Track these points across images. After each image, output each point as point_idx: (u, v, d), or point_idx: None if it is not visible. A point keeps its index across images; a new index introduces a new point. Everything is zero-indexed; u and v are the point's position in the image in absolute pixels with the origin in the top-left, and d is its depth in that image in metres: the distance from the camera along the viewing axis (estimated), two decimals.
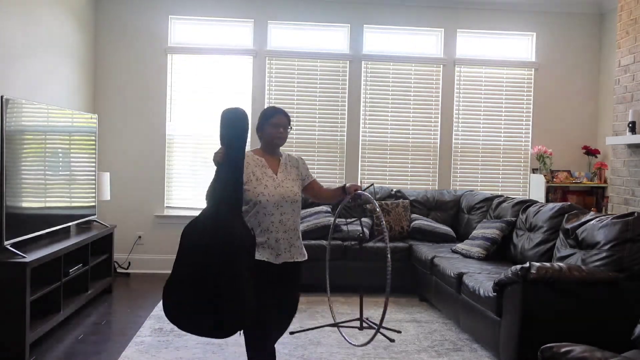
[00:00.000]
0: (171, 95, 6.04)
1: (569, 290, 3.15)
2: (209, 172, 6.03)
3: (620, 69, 5.14)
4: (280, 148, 2.93)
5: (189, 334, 3.93)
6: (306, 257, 2.93)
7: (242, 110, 2.72)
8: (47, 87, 4.79)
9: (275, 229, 2.76)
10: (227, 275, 2.46)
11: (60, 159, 4.36)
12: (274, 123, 2.85)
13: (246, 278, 2.47)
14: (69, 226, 4.57)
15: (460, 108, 6.26)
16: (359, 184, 2.85)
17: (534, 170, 6.21)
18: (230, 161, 2.58)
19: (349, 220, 5.14)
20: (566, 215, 3.94)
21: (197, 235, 2.53)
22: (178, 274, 2.53)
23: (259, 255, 2.68)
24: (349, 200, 3.00)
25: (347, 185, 2.97)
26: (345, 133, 6.14)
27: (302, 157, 3.05)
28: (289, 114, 2.93)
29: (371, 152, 6.19)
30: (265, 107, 6.00)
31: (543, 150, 5.98)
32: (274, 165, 2.88)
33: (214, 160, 2.62)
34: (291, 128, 2.94)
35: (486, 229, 4.79)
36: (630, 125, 4.79)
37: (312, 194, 3.04)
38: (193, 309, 2.46)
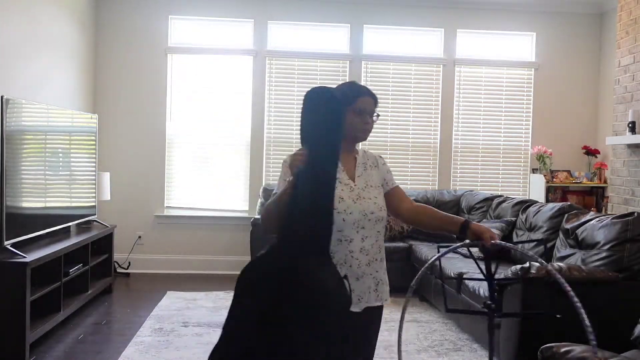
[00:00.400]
0: (171, 95, 6.03)
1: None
2: (209, 172, 6.07)
3: (620, 69, 5.14)
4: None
5: (189, 333, 3.94)
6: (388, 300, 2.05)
7: (335, 92, 1.81)
8: (47, 87, 4.79)
9: (357, 260, 1.90)
10: (304, 349, 1.62)
11: (60, 159, 4.36)
12: (359, 109, 1.95)
13: (334, 355, 1.63)
14: (69, 226, 4.57)
15: (460, 108, 6.26)
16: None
17: (534, 170, 6.21)
18: (317, 171, 1.70)
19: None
20: (566, 215, 3.94)
21: (260, 287, 1.67)
22: (230, 339, 1.68)
23: None
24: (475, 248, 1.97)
25: (473, 224, 1.91)
26: None
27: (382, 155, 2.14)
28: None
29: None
30: (266, 107, 6.05)
31: (543, 150, 5.98)
32: (350, 167, 1.99)
33: (291, 166, 1.76)
34: (378, 116, 2.02)
35: None
36: (630, 125, 4.79)
37: (394, 207, 2.05)
38: None
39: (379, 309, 2.02)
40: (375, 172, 2.04)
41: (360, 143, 2.11)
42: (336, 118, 1.77)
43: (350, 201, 1.91)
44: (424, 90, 6.21)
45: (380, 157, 2.12)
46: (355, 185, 1.96)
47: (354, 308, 1.88)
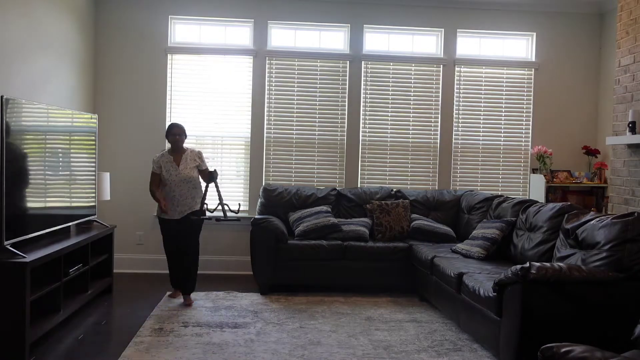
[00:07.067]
0: (171, 95, 6.03)
1: (569, 290, 3.15)
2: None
3: (620, 69, 5.14)
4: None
5: (189, 334, 3.94)
6: None
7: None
8: (47, 87, 4.79)
9: (178, 198, 4.69)
10: None
11: (60, 159, 4.36)
12: (171, 134, 4.71)
13: None
14: (69, 226, 4.57)
15: (460, 108, 6.26)
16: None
17: (534, 170, 6.21)
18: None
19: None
20: (566, 215, 3.94)
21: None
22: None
23: None
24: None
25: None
26: (345, 133, 6.14)
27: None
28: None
29: (371, 152, 6.19)
30: (266, 107, 6.06)
31: (543, 150, 5.98)
32: (178, 159, 4.70)
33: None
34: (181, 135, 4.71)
35: (486, 229, 4.79)
36: (630, 125, 4.79)
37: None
38: None
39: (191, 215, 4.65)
40: (192, 160, 4.71)
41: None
42: None
43: (173, 175, 4.64)
44: (424, 90, 6.21)
45: (200, 152, 4.82)
46: (178, 167, 4.66)
47: (177, 216, 4.69)
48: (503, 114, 6.30)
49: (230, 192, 6.04)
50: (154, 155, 4.81)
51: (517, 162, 6.32)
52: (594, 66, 6.32)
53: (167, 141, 4.81)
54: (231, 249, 6.03)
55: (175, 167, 4.65)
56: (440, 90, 6.20)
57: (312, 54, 6.08)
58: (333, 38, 6.17)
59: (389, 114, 6.19)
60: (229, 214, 4.75)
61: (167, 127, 4.78)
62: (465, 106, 6.26)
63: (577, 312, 3.15)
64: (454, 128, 6.24)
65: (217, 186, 4.73)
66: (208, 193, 4.74)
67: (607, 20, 6.17)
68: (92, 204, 4.98)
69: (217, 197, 4.73)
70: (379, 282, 5.22)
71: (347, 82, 6.12)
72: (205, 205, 4.76)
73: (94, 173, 5.02)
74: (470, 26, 6.20)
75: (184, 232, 4.68)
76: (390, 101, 6.19)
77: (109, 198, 5.47)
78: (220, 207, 4.67)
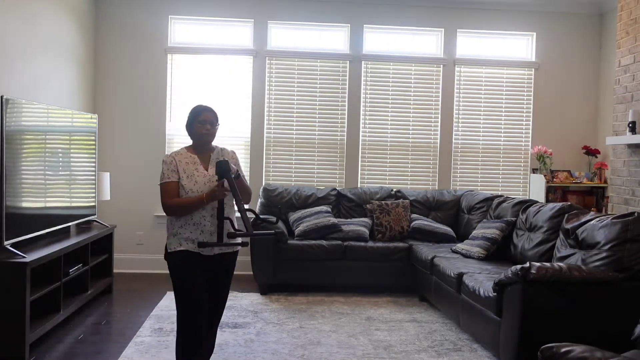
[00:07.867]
0: (171, 95, 6.03)
1: (569, 290, 3.15)
2: None
3: (620, 69, 5.14)
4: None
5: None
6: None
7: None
8: (47, 87, 4.79)
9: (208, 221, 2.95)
10: None
11: (60, 159, 4.36)
12: (201, 120, 2.88)
13: None
14: (69, 226, 4.57)
15: (460, 108, 6.25)
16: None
17: (534, 170, 6.21)
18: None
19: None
20: (566, 215, 3.94)
21: None
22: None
23: None
24: None
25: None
26: (345, 133, 6.14)
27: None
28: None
29: (371, 152, 6.19)
30: (266, 107, 6.06)
31: (543, 150, 5.98)
32: (205, 161, 2.93)
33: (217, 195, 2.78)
34: (218, 124, 2.94)
35: (486, 229, 4.79)
36: (630, 125, 4.79)
37: None
38: None
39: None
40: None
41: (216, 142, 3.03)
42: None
43: (201, 183, 2.84)
44: (424, 90, 6.21)
45: (234, 152, 3.04)
46: (207, 172, 2.88)
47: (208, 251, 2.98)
48: (503, 114, 6.30)
49: None
50: (164, 156, 2.90)
51: (517, 162, 6.32)
52: (594, 66, 6.32)
53: (189, 133, 2.93)
54: None
55: (202, 171, 2.87)
56: (440, 90, 6.20)
57: (312, 54, 6.08)
58: (333, 38, 6.17)
59: (389, 114, 6.19)
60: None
61: (191, 110, 2.91)
62: (465, 106, 6.26)
63: (577, 312, 3.15)
64: (454, 128, 6.24)
65: (231, 184, 2.75)
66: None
67: (607, 20, 6.16)
68: (92, 204, 4.98)
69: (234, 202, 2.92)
70: (379, 282, 5.22)
71: (347, 82, 6.11)
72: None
73: (94, 173, 5.02)
74: (470, 26, 6.20)
75: (220, 273, 3.09)
76: (390, 101, 6.18)
77: (109, 198, 5.47)
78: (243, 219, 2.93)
